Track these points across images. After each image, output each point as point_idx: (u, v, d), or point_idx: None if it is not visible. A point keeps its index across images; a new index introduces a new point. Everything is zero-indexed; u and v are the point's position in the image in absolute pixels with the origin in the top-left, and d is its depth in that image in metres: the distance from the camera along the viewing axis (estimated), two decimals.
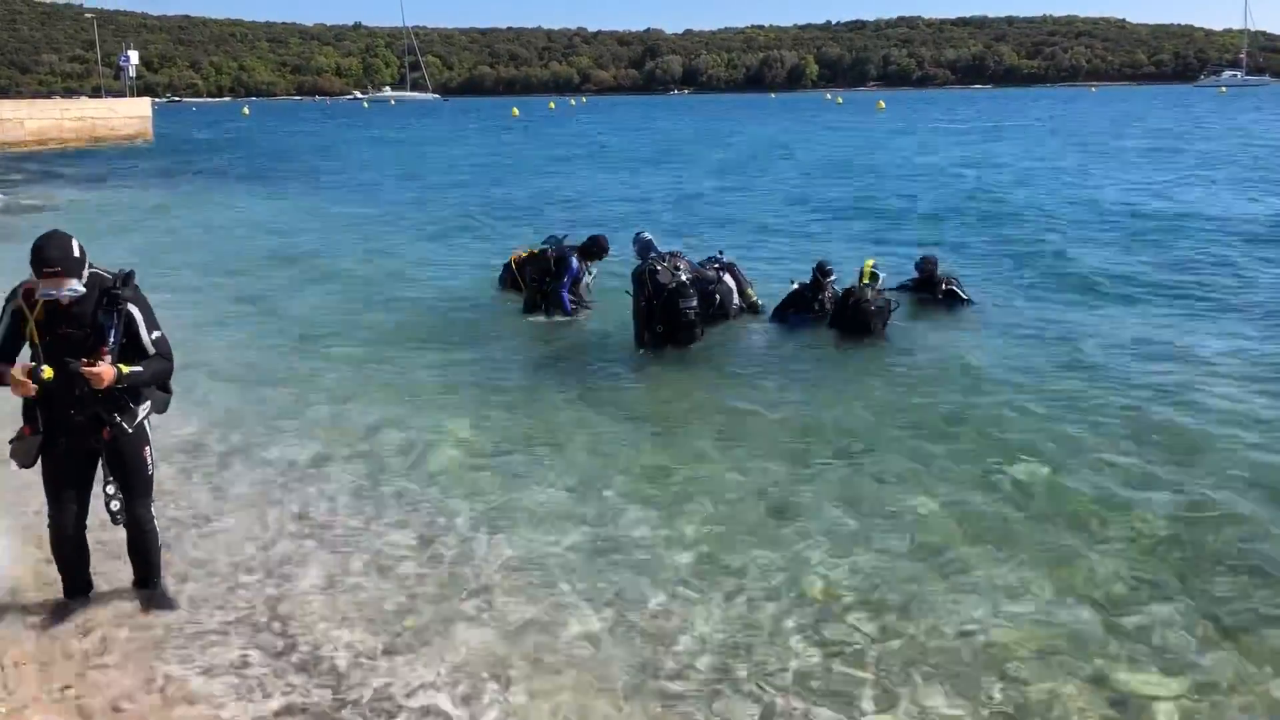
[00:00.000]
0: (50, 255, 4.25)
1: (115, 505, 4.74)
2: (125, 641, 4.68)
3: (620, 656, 4.58)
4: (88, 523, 4.78)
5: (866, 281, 10.32)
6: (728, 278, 10.91)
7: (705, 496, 6.31)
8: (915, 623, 4.81)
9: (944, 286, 11.66)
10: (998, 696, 4.26)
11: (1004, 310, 11.56)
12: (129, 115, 56.25)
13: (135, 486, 4.75)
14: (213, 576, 5.31)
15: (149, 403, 4.71)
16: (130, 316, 4.46)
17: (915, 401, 8.19)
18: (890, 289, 10.99)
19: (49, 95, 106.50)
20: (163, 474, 6.46)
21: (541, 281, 11.46)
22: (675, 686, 4.35)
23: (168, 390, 4.86)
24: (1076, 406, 7.88)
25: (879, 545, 5.61)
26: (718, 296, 10.54)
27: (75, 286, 4.31)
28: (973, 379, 8.78)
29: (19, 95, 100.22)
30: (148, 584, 5.00)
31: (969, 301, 11.58)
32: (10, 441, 4.59)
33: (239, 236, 19.14)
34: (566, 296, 11.32)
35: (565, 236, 11.94)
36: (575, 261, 11.35)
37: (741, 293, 11.02)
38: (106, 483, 4.72)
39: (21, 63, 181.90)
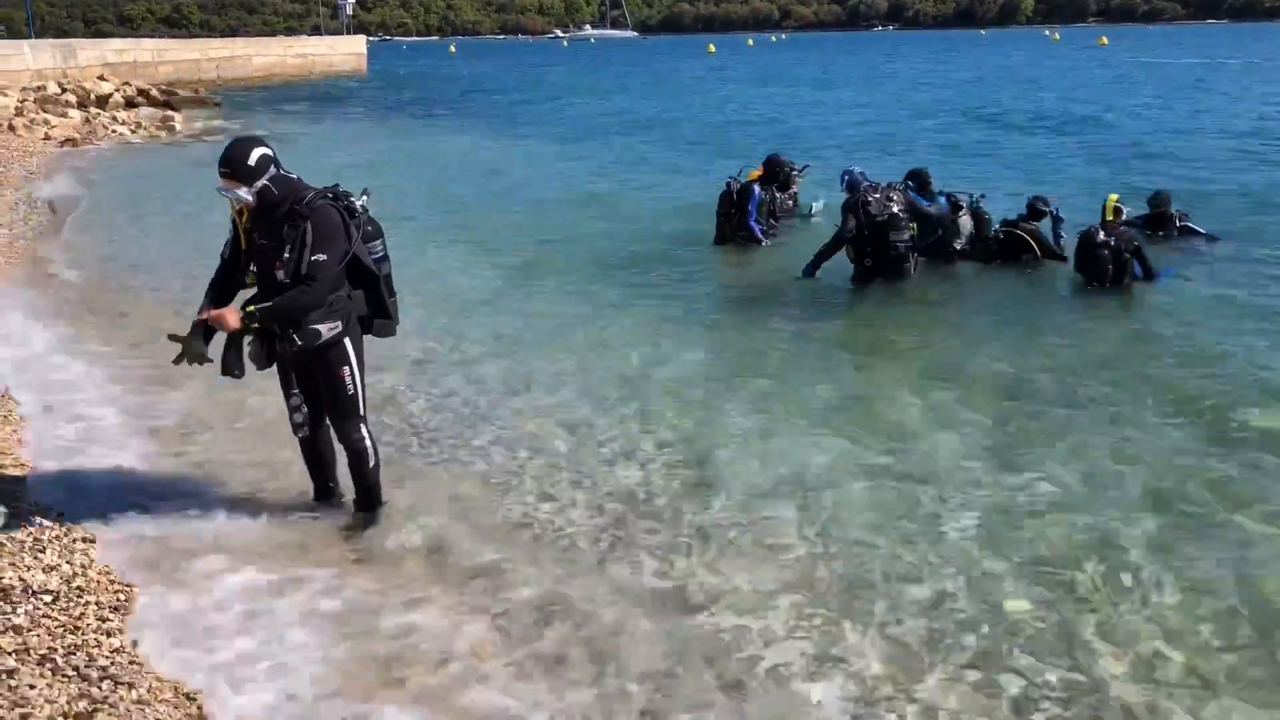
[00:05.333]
0: (225, 155, 4.47)
1: (299, 418, 4.88)
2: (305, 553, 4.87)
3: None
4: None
5: (1110, 217, 9.54)
6: (965, 218, 10.39)
7: (910, 435, 6.07)
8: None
9: (1178, 223, 10.87)
10: None
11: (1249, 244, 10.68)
12: (345, 52, 59.01)
13: (337, 406, 4.85)
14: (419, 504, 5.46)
15: (338, 323, 4.67)
16: (304, 233, 4.50)
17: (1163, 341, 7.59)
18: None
19: (273, 34, 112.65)
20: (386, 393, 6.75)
21: (729, 214, 11.59)
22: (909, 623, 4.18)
23: (385, 314, 4.93)
24: None
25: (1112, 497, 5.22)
26: (939, 230, 10.11)
27: (241, 193, 4.46)
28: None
29: (247, 34, 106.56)
30: (366, 507, 5.09)
31: (1207, 237, 10.72)
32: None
33: (451, 165, 19.75)
34: (756, 226, 11.48)
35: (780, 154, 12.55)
36: (757, 189, 11.63)
37: (979, 236, 10.44)
38: (290, 394, 4.88)
39: (249, 4, 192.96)
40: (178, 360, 4.68)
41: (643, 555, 4.74)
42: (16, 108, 25.41)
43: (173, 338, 4.65)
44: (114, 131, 25.57)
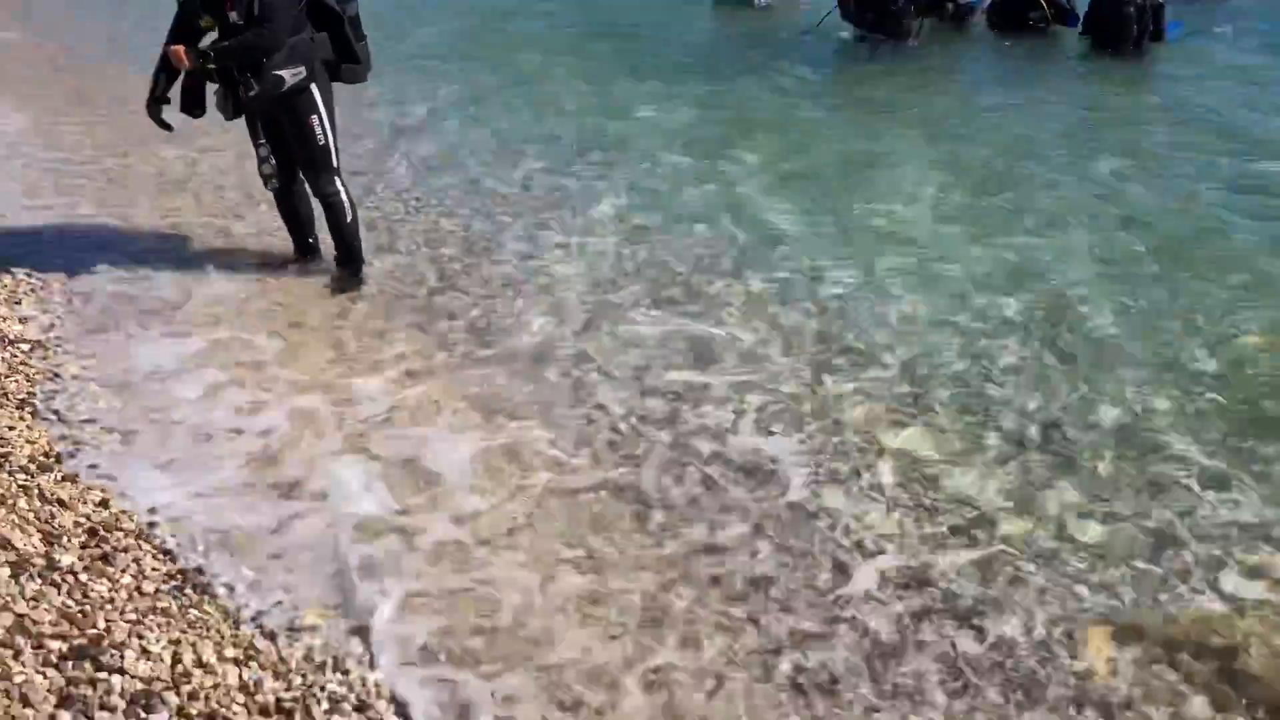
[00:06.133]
0: None
1: (266, 169, 4.72)
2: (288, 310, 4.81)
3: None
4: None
5: None
6: None
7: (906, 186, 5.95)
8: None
9: None
10: None
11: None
12: None
13: (308, 157, 4.69)
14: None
15: (301, 68, 4.47)
16: None
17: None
18: None
19: None
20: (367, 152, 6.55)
21: None
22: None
23: (353, 59, 4.71)
24: None
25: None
26: None
27: None
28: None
29: None
30: (348, 263, 4.98)
31: None
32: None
33: None
34: None
35: None
36: None
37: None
38: (258, 145, 4.71)
39: None
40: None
41: (635, 298, 4.68)
42: None
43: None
44: None
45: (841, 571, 3.06)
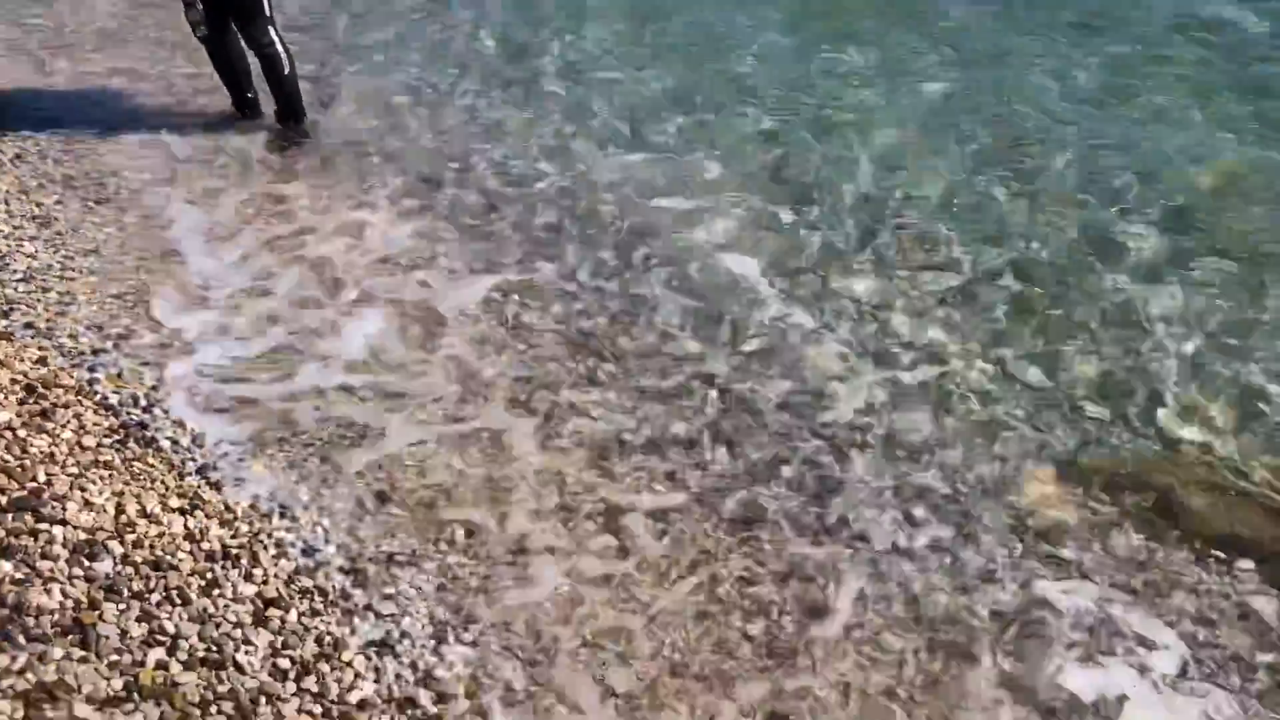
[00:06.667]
0: None
1: (194, 15, 4.54)
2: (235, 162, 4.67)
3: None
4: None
5: None
6: None
7: None
8: None
9: None
10: None
11: None
12: None
13: (240, 7, 4.53)
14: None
15: None
16: None
17: None
18: None
19: None
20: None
21: None
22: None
23: None
24: None
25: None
26: None
27: None
28: None
29: None
30: (289, 118, 4.84)
31: None
32: None
33: None
34: None
35: None
36: None
37: None
38: None
39: None
40: None
41: (593, 145, 4.58)
42: None
43: None
44: None
45: (798, 415, 3.09)
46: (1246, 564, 2.63)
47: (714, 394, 3.17)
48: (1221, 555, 2.66)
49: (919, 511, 2.76)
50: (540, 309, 3.58)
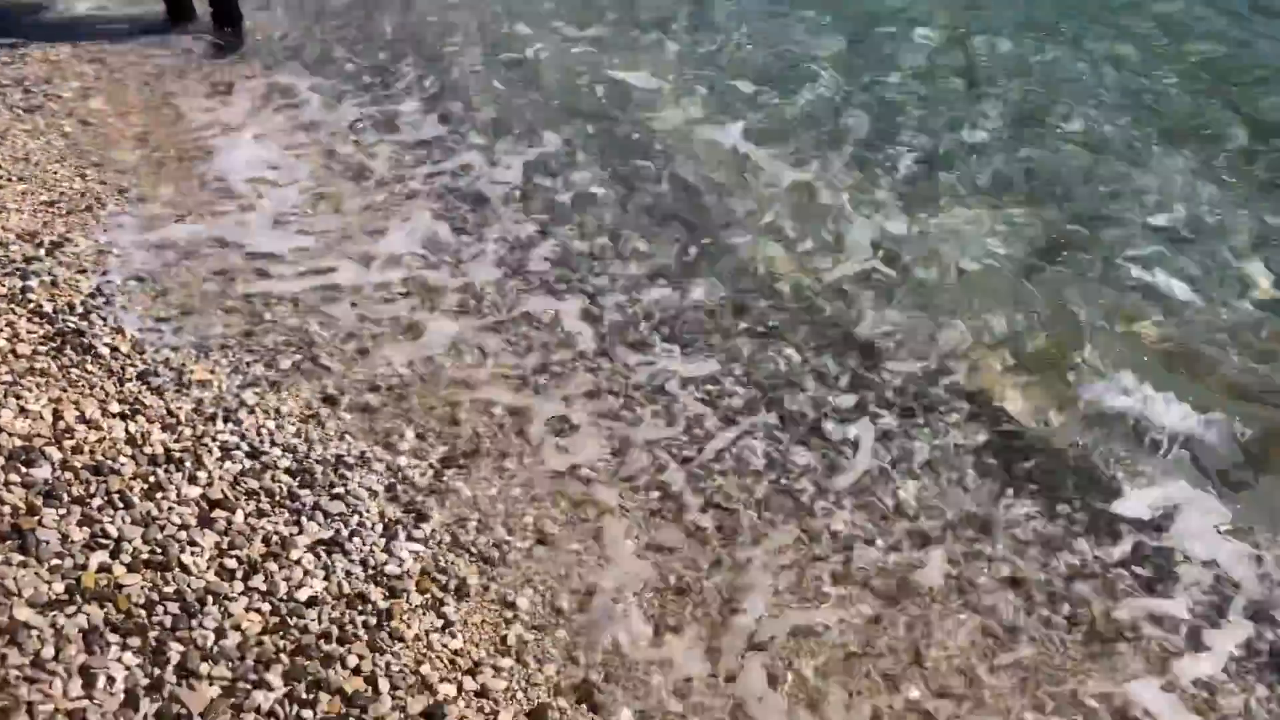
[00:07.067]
0: None
1: None
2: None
3: None
4: None
5: None
6: None
7: None
8: None
9: None
10: None
11: None
12: None
13: None
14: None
15: None
16: None
17: None
18: None
19: None
20: None
21: None
22: None
23: None
24: None
25: None
26: None
27: None
28: None
29: None
30: (227, 22, 4.71)
31: None
32: None
33: None
34: None
35: None
36: None
37: None
38: None
39: None
40: None
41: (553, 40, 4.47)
42: None
43: None
44: None
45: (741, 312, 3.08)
46: None
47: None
48: None
49: (871, 404, 2.77)
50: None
